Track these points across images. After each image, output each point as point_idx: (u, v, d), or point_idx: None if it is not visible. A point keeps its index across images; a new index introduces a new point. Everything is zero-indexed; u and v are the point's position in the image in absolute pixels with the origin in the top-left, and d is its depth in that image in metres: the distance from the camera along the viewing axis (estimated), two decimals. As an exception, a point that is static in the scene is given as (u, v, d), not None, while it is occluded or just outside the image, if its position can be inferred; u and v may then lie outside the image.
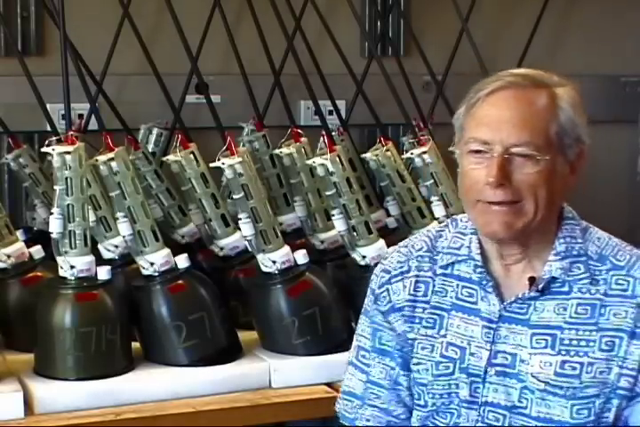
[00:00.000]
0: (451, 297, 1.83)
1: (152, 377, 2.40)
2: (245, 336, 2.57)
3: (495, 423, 1.77)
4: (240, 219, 2.50)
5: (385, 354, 1.89)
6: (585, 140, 1.75)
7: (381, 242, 2.63)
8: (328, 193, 2.65)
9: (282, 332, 2.51)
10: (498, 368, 1.77)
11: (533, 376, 1.74)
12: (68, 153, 2.35)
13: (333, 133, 2.88)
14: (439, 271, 1.85)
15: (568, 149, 1.73)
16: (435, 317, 1.84)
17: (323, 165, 2.61)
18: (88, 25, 2.93)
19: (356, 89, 3.02)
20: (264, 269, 2.53)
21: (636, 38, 3.66)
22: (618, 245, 1.80)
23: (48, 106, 2.59)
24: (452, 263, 1.84)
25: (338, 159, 2.62)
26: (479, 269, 1.80)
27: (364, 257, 2.63)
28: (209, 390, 2.40)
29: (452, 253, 1.85)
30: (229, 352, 2.49)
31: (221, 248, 2.68)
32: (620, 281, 1.75)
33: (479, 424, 1.78)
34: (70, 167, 2.35)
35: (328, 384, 2.44)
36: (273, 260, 2.52)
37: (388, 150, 2.81)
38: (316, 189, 2.74)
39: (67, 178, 2.36)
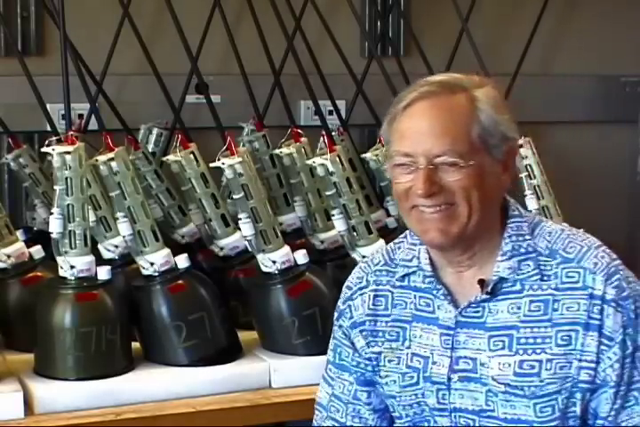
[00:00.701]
0: (410, 309, 1.83)
1: (152, 377, 2.40)
2: (245, 336, 2.57)
3: None
4: (240, 219, 2.50)
5: (344, 369, 1.91)
6: (512, 136, 1.74)
7: (381, 242, 2.63)
8: (328, 193, 2.65)
9: (282, 332, 2.51)
10: (461, 374, 1.76)
11: (494, 379, 1.73)
12: (68, 153, 2.35)
13: (333, 133, 2.88)
14: (397, 284, 1.85)
15: (495, 150, 1.72)
16: (397, 329, 1.84)
17: (323, 165, 2.61)
18: (88, 25, 2.93)
19: (355, 89, 3.02)
20: (264, 269, 2.53)
21: (636, 38, 3.66)
22: (569, 236, 1.77)
23: (48, 106, 2.60)
24: (408, 275, 1.84)
25: (338, 159, 2.62)
26: (428, 279, 1.80)
27: (364, 257, 2.62)
28: (209, 390, 2.40)
29: (405, 265, 1.85)
30: (229, 352, 2.49)
31: (221, 248, 2.68)
32: (571, 273, 1.73)
33: None
34: (70, 167, 2.35)
35: (328, 384, 2.45)
36: (273, 260, 2.52)
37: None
38: (316, 189, 2.74)
39: (67, 178, 2.36)
